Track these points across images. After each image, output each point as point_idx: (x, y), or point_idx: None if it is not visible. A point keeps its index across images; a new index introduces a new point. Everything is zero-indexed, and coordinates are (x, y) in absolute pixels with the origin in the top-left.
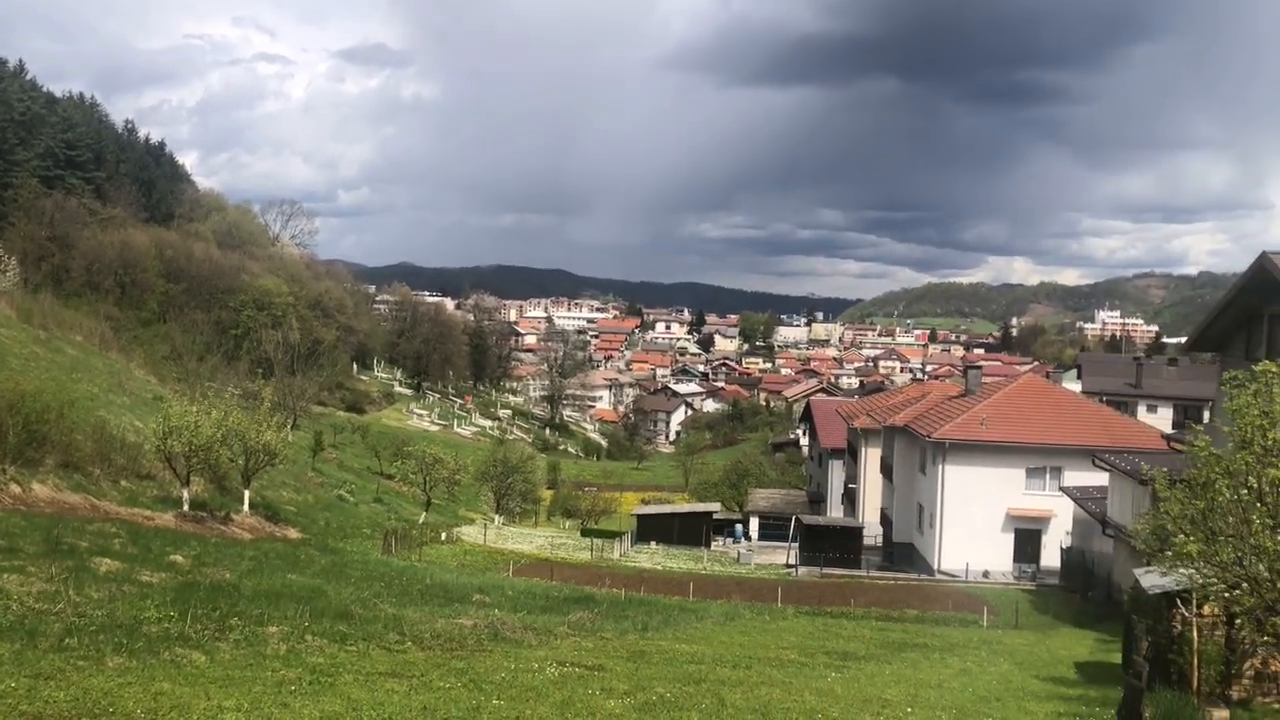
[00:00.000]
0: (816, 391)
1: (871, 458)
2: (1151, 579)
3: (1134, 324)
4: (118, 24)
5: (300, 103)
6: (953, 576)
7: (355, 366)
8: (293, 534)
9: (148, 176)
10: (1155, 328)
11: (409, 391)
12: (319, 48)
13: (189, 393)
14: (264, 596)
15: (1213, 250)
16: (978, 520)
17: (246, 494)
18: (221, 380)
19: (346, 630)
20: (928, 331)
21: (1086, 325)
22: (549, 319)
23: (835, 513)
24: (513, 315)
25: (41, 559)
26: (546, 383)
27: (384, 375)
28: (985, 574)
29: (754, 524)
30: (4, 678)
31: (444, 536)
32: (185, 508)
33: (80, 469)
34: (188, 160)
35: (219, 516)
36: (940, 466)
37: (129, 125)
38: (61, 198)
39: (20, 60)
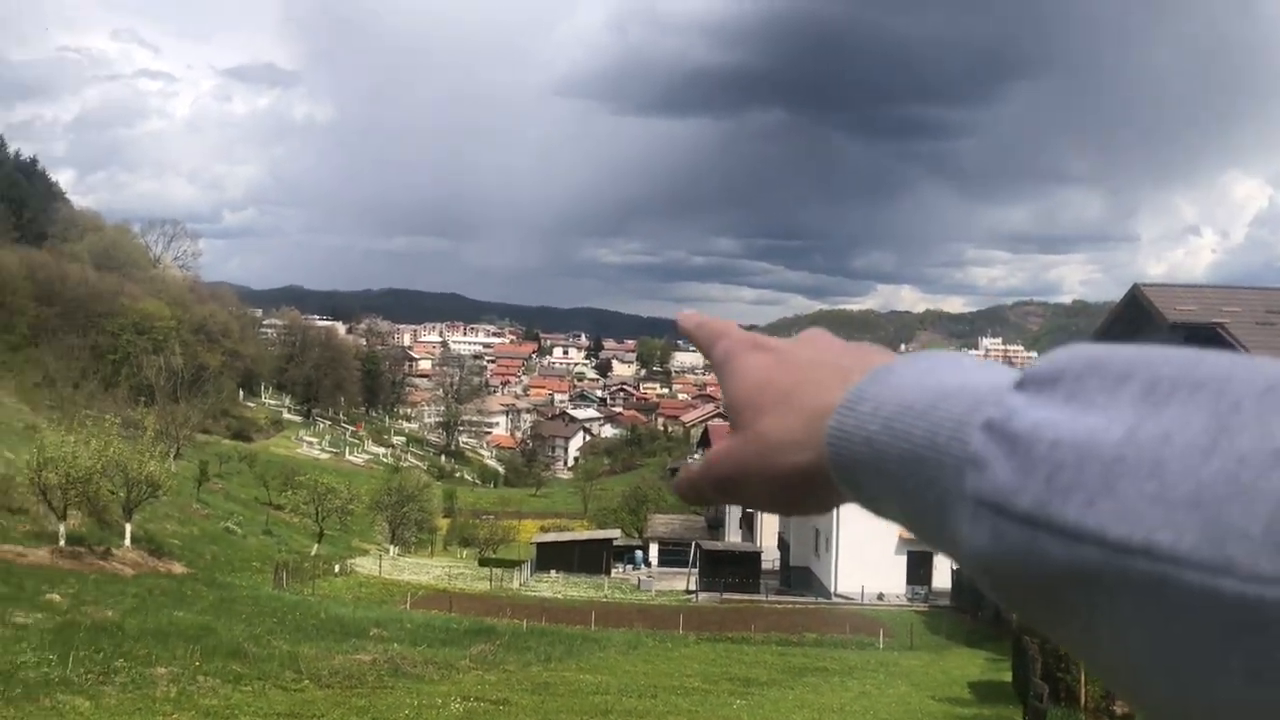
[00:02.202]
0: (714, 416)
1: None
2: None
3: (1014, 350)
4: None
5: (184, 121)
6: (849, 599)
7: (242, 393)
8: (178, 569)
9: (18, 194)
10: (1034, 354)
11: (298, 419)
12: (205, 65)
13: (65, 421)
14: (150, 636)
15: (1085, 280)
16: (871, 543)
17: (128, 527)
18: (100, 408)
19: (240, 670)
20: None
21: (971, 351)
22: (444, 344)
23: (734, 538)
24: (407, 340)
25: None
26: (442, 409)
27: (272, 402)
28: (880, 596)
29: (654, 550)
30: None
31: (338, 569)
32: (61, 543)
33: None
34: (62, 178)
35: (98, 551)
36: None
37: None
38: None
39: None
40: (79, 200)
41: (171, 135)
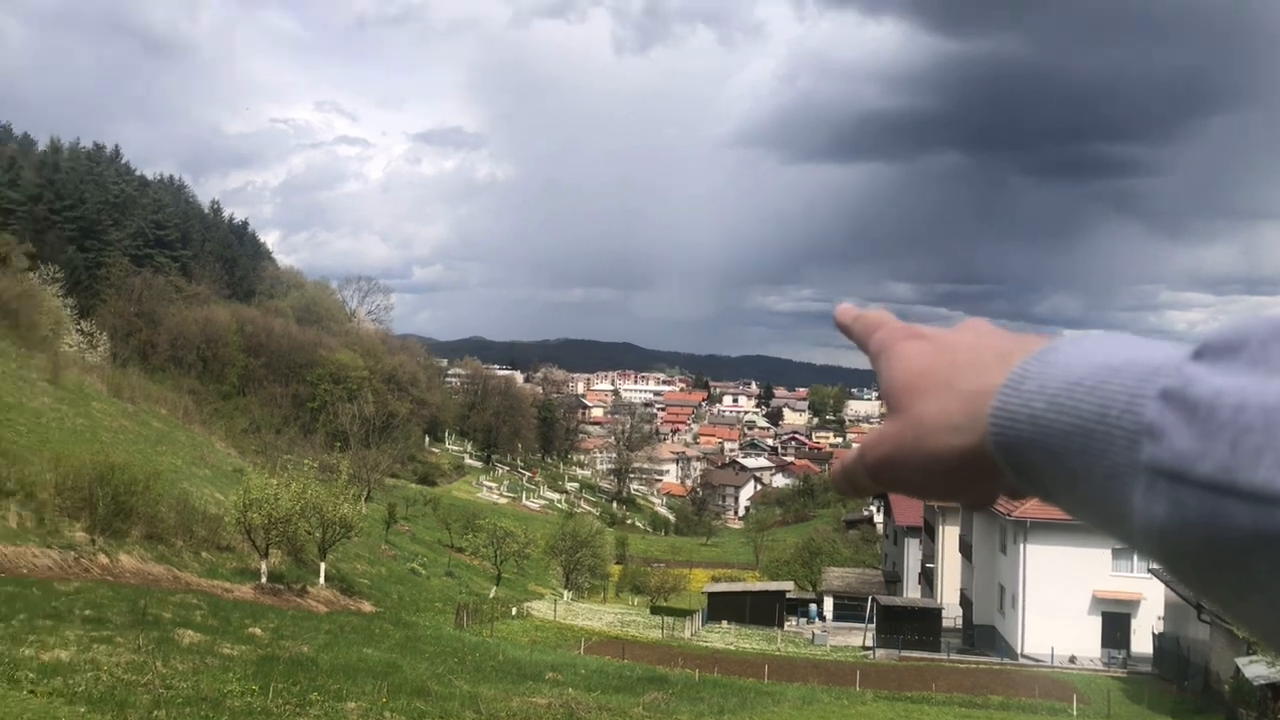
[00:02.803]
0: None
1: (949, 536)
2: (1256, 669)
3: None
4: (208, 110)
5: (378, 183)
6: (1037, 661)
7: (427, 439)
8: (367, 607)
9: (231, 255)
10: None
11: (479, 464)
12: (398, 130)
13: (268, 465)
14: (341, 671)
15: None
16: (1062, 602)
17: (323, 566)
18: (299, 453)
19: (423, 707)
20: None
21: None
22: (616, 392)
23: (912, 593)
24: (580, 388)
25: (129, 629)
26: (614, 455)
27: (455, 448)
28: (1072, 659)
29: (828, 604)
30: None
31: (514, 611)
32: (263, 580)
33: (164, 540)
34: (269, 239)
35: (295, 589)
36: (1021, 546)
37: (215, 206)
38: (150, 275)
39: (116, 146)
40: (284, 259)
41: (366, 197)
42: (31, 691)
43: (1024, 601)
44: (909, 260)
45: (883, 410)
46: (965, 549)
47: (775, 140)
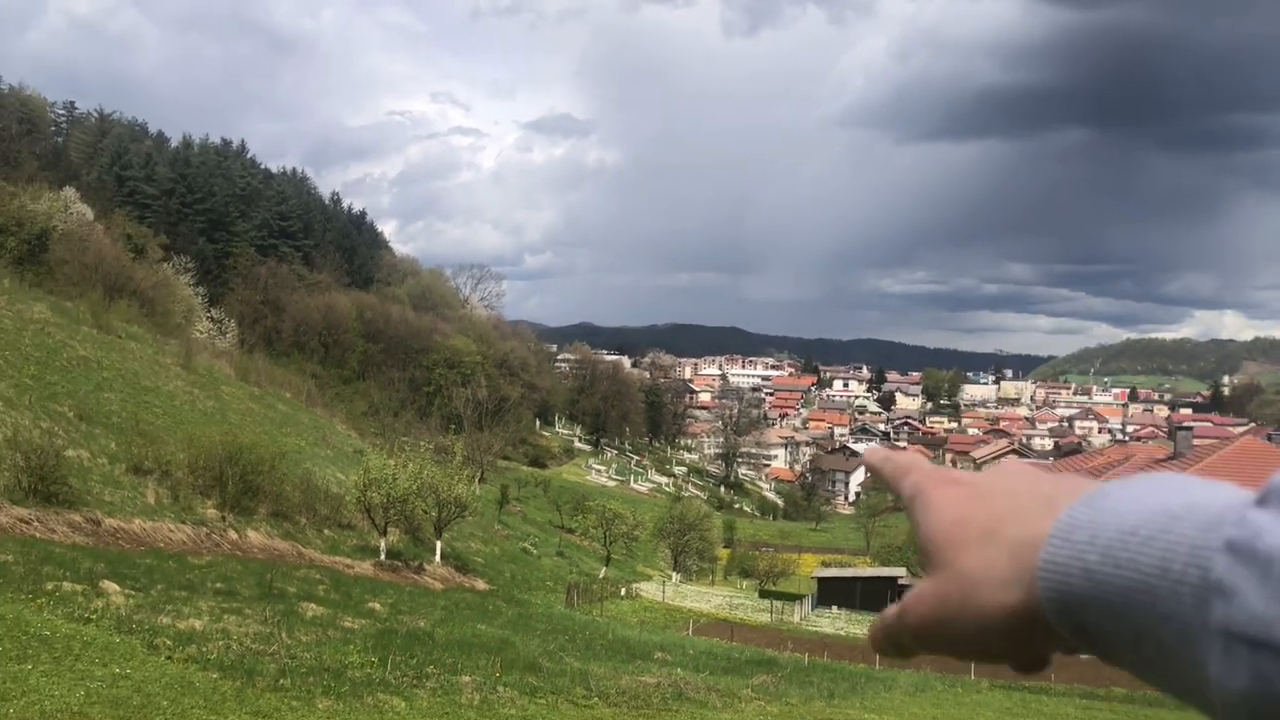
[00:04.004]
0: (1007, 452)
1: None
2: None
3: None
4: (329, 104)
5: (490, 172)
6: None
7: (538, 423)
8: (480, 585)
9: (350, 244)
10: None
11: (588, 447)
12: (509, 120)
13: (386, 447)
14: (456, 645)
15: None
16: None
17: (439, 544)
18: (415, 435)
19: (535, 683)
20: (1128, 390)
21: None
22: (723, 376)
23: None
24: (687, 373)
25: (256, 602)
26: (721, 440)
27: (564, 431)
28: None
29: None
30: (227, 713)
31: (623, 592)
32: (382, 557)
33: (288, 517)
34: (387, 228)
35: (413, 566)
36: None
37: (335, 197)
38: (274, 265)
39: (242, 140)
40: (400, 248)
41: (479, 186)
42: (169, 658)
43: None
44: (1027, 241)
45: (921, 566)
46: None
47: (888, 119)
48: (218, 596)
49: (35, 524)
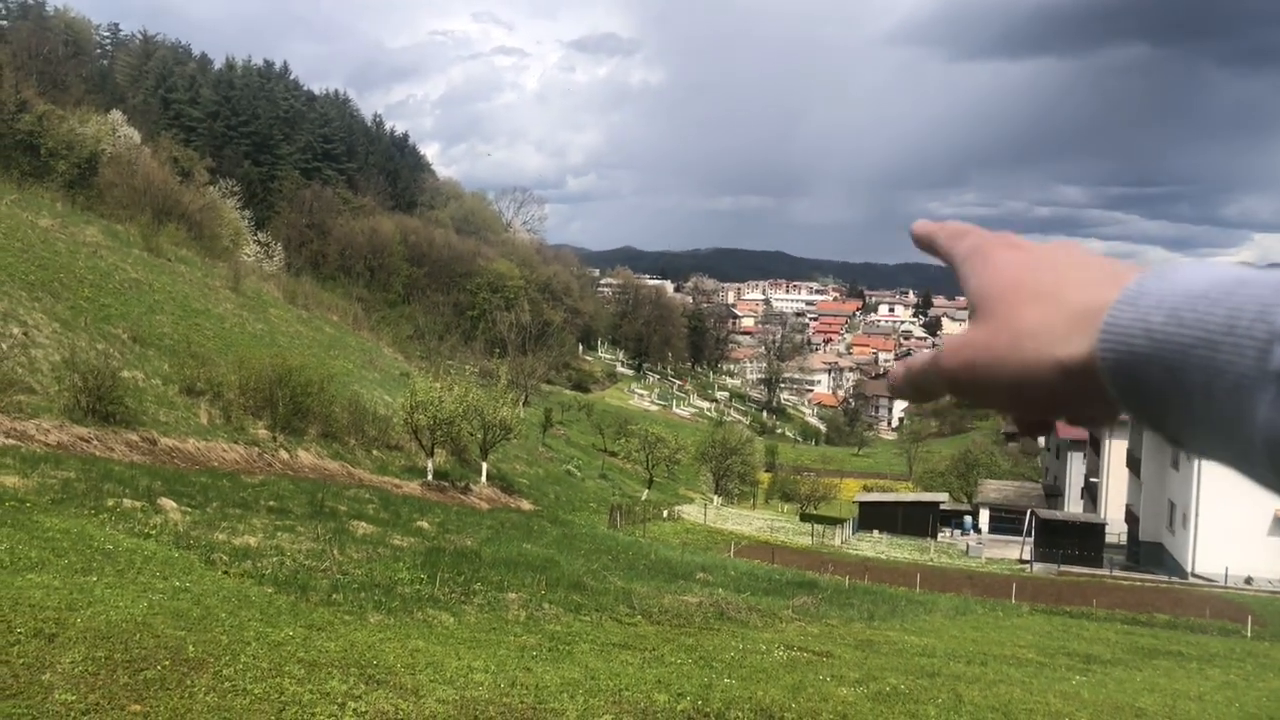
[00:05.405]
0: None
1: (1116, 450)
2: None
3: None
4: (370, 24)
5: (533, 93)
6: (1209, 581)
7: (580, 347)
8: (525, 505)
9: (393, 167)
10: None
11: (630, 372)
12: (552, 39)
13: (432, 370)
14: (502, 564)
15: None
16: (1239, 521)
17: (484, 466)
18: (460, 358)
19: (579, 600)
20: None
21: None
22: (767, 301)
23: (1074, 508)
24: (731, 298)
25: (308, 520)
26: (764, 365)
27: (607, 356)
28: (1248, 580)
29: (984, 516)
30: (283, 626)
31: (665, 514)
32: (429, 477)
33: (338, 438)
34: (429, 151)
35: (459, 486)
36: (1196, 462)
37: (377, 119)
38: (319, 188)
39: (284, 62)
40: (443, 171)
41: (522, 107)
42: (225, 572)
43: (1197, 519)
44: (1081, 162)
45: (968, 314)
46: (1133, 464)
47: (940, 37)
48: (271, 514)
49: (95, 442)
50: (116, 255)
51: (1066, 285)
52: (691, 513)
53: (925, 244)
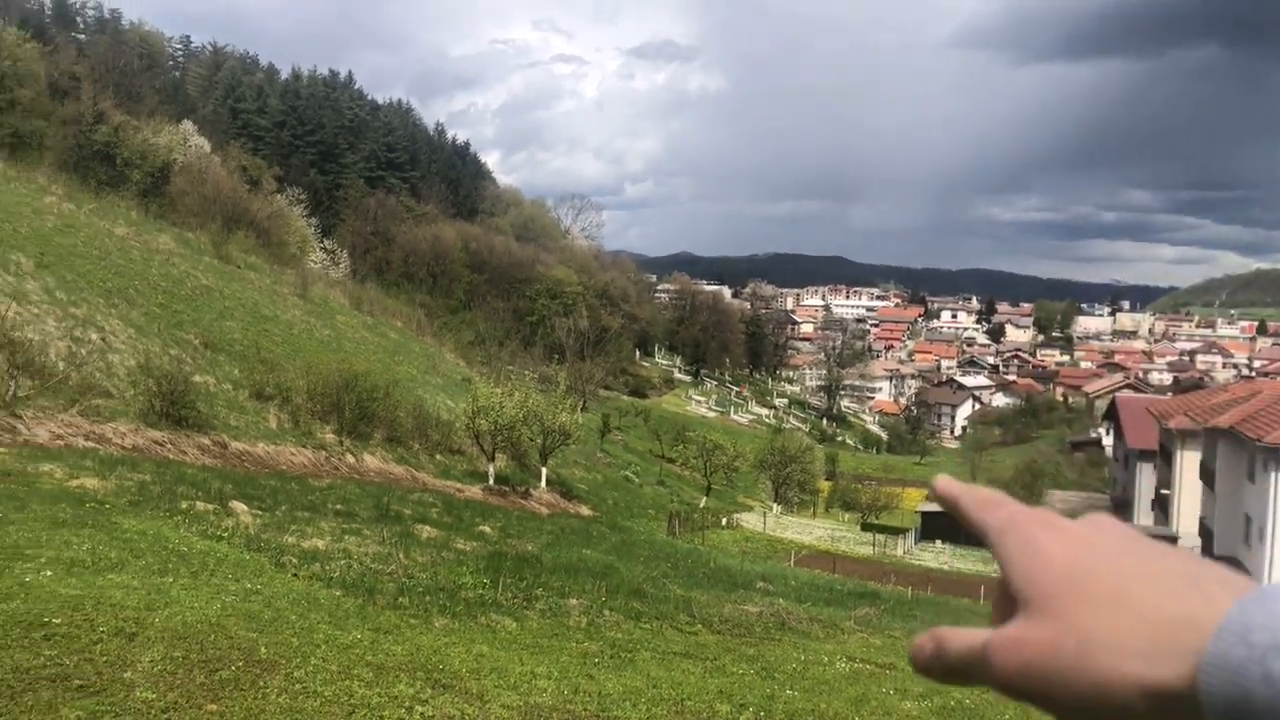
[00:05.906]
0: (1122, 387)
1: (1188, 462)
2: None
3: None
4: (433, 34)
5: (592, 101)
6: None
7: (638, 353)
8: (585, 511)
9: (455, 175)
10: None
11: (688, 378)
12: (611, 46)
13: (492, 375)
14: (563, 569)
15: None
16: None
17: (544, 471)
18: (520, 364)
19: (640, 608)
20: (1256, 323)
21: None
22: (826, 307)
23: (1143, 520)
24: (789, 304)
25: (374, 523)
26: (823, 372)
27: (664, 362)
28: None
29: None
30: (351, 629)
31: (724, 522)
32: (491, 482)
33: (402, 443)
34: (490, 159)
35: (520, 491)
36: (1273, 475)
37: (439, 128)
38: (383, 196)
39: (349, 72)
40: (503, 178)
41: (581, 114)
42: (295, 575)
43: (1274, 534)
44: (1150, 166)
45: (1011, 594)
46: (1207, 476)
47: (1004, 40)
48: (338, 518)
49: (168, 446)
50: (188, 262)
51: (1135, 587)
52: (750, 521)
53: (949, 505)
